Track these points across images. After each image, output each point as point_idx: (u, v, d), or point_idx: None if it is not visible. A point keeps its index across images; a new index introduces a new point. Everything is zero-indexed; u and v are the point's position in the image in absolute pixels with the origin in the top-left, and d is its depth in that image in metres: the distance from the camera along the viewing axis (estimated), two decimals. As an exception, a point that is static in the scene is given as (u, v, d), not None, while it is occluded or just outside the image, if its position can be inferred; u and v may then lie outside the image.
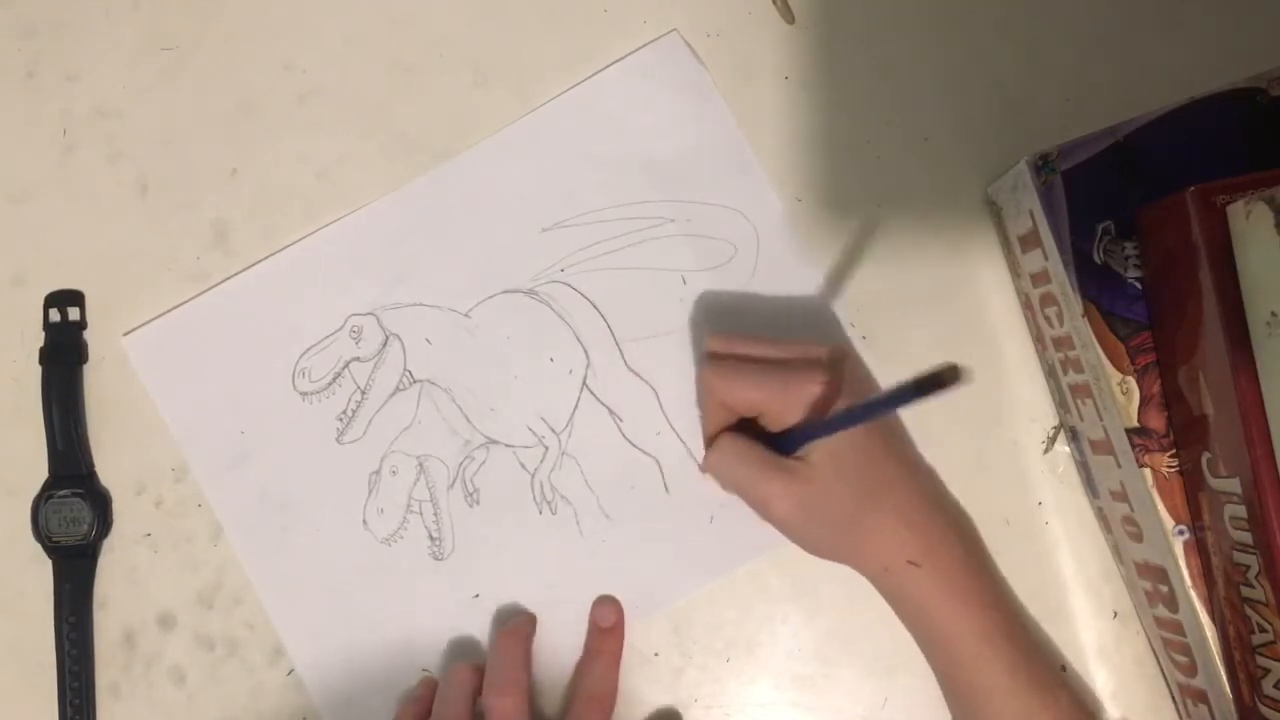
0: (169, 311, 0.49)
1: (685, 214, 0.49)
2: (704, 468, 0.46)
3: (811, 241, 0.49)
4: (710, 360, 0.44)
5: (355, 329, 0.49)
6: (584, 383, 0.49)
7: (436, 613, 0.48)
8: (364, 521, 0.48)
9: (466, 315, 0.49)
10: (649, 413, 0.48)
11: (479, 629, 0.48)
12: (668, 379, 0.49)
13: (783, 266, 0.49)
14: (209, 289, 0.49)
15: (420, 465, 0.49)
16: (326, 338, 0.49)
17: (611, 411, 0.48)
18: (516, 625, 0.47)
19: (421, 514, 0.48)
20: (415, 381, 0.49)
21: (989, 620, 0.42)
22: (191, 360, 0.49)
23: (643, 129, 0.49)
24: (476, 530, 0.48)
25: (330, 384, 0.49)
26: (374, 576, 0.48)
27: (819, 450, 0.41)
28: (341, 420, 0.49)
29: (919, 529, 0.42)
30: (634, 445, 0.48)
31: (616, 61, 0.50)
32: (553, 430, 0.48)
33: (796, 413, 0.41)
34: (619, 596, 0.48)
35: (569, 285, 0.49)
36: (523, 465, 0.48)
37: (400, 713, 0.46)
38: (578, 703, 0.46)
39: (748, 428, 0.44)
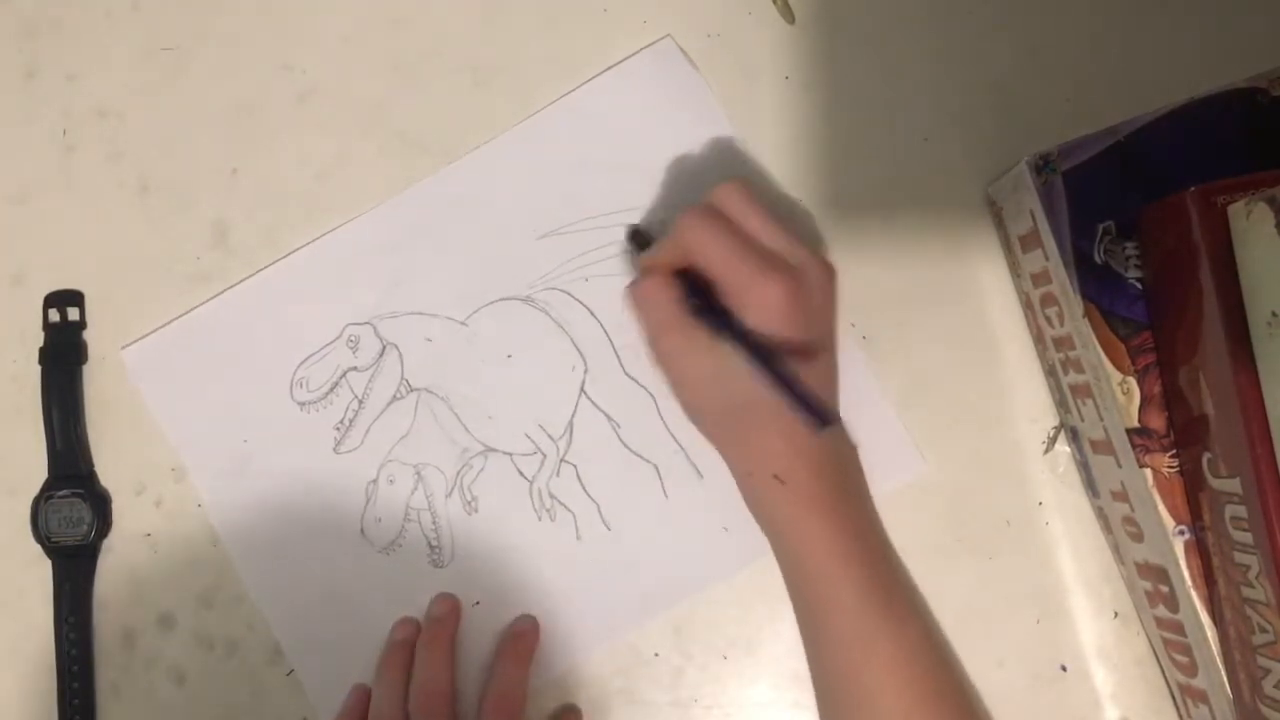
0: (165, 325, 0.49)
1: (682, 217, 0.49)
2: (630, 292, 0.43)
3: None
4: (713, 206, 0.42)
5: (352, 338, 0.49)
6: (582, 389, 0.48)
7: (437, 617, 0.48)
8: (362, 531, 0.48)
9: (463, 323, 0.49)
10: (647, 419, 0.48)
11: (479, 636, 0.48)
12: (666, 385, 0.48)
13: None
14: (205, 301, 0.49)
15: (418, 474, 0.48)
16: (323, 347, 0.49)
17: (610, 418, 0.48)
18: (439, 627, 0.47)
19: (420, 522, 0.48)
20: (412, 390, 0.49)
21: (849, 544, 0.41)
22: (189, 372, 0.49)
23: (638, 134, 0.49)
24: (476, 538, 0.48)
25: (328, 394, 0.49)
26: (373, 585, 0.48)
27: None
28: (339, 430, 0.49)
29: (797, 449, 0.41)
30: (633, 451, 0.48)
31: (610, 68, 0.49)
32: (551, 437, 0.48)
33: (749, 314, 0.40)
34: (618, 602, 0.48)
35: (566, 292, 0.49)
36: (521, 473, 0.48)
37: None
38: (487, 701, 0.46)
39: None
